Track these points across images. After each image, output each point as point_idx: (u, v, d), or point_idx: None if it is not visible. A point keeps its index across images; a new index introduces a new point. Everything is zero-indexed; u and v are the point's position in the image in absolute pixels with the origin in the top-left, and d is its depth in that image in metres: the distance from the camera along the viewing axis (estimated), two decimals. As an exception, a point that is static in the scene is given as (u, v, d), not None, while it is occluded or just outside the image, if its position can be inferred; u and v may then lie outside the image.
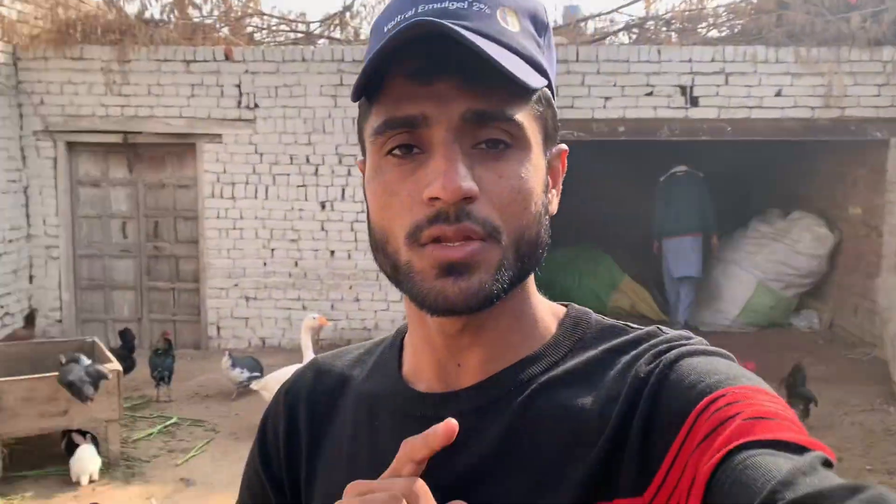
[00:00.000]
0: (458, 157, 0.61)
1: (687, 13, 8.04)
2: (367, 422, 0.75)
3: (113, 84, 7.56)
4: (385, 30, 0.65)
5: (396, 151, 0.64)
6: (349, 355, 0.84)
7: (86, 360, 4.95)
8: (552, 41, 0.70)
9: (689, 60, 7.34)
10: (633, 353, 0.67)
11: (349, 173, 7.63)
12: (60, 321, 7.86)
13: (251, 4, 8.45)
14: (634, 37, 8.32)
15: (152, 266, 7.95)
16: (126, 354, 6.11)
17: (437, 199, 0.61)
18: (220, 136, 7.59)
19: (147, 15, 8.06)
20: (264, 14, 8.47)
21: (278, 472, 0.80)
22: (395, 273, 0.66)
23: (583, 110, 7.38)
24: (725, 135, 7.42)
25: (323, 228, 7.71)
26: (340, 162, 7.62)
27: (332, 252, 7.71)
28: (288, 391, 0.83)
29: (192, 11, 8.25)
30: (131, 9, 8.21)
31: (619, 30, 8.38)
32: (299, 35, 8.48)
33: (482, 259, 0.63)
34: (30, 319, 6.64)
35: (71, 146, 7.77)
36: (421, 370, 0.74)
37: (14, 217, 7.59)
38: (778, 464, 0.50)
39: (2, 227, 7.40)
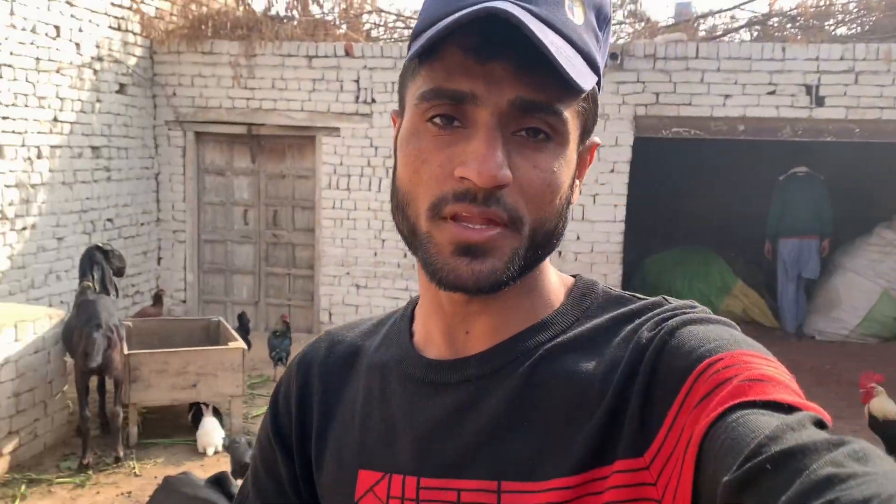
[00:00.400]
0: (498, 144, 0.62)
1: (814, 9, 7.74)
2: (378, 389, 0.76)
3: (240, 78, 7.92)
4: None
5: (437, 120, 0.64)
6: (362, 326, 0.85)
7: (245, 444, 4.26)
8: (609, 36, 0.70)
9: (816, 58, 7.07)
10: (638, 321, 0.69)
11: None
12: (184, 301, 8.32)
13: (369, 2, 8.68)
14: (756, 33, 8.08)
15: (270, 252, 8.30)
16: (242, 336, 6.42)
17: (467, 179, 0.62)
18: (338, 129, 7.83)
19: (273, 11, 8.41)
20: (382, 11, 8.68)
21: (289, 440, 0.81)
22: (413, 238, 0.67)
23: (701, 108, 7.22)
24: (853, 136, 7.11)
25: (433, 221, 7.83)
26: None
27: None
28: (301, 362, 0.84)
29: (314, 8, 8.55)
30: (258, 5, 8.59)
31: (741, 27, 8.14)
32: (415, 31, 8.64)
33: (499, 245, 0.64)
34: (157, 298, 7.06)
35: (199, 136, 8.20)
36: (431, 338, 0.75)
37: (146, 202, 8.09)
38: (769, 422, 0.51)
39: (135, 212, 7.90)
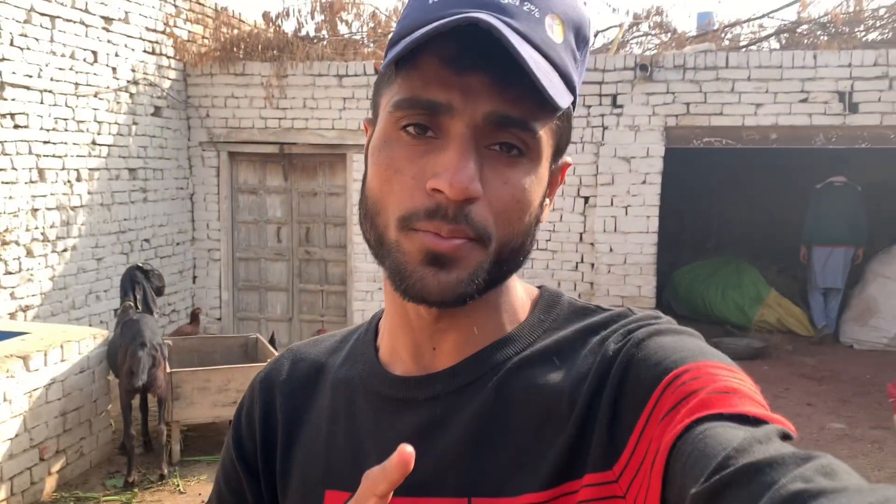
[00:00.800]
0: (471, 156, 0.61)
1: (844, 16, 7.69)
2: (344, 407, 0.75)
3: (271, 98, 8.03)
4: (430, 1, 0.63)
5: (411, 129, 0.63)
6: (326, 342, 0.83)
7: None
8: (587, 56, 0.69)
9: (848, 65, 7.02)
10: (604, 332, 0.68)
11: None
12: (220, 319, 8.41)
13: (398, 18, 8.76)
14: (785, 41, 8.04)
15: (303, 269, 8.38)
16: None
17: (439, 191, 0.61)
18: (368, 145, 7.89)
19: (303, 32, 8.54)
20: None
21: (253, 461, 0.79)
22: (380, 247, 0.66)
23: (732, 117, 7.20)
24: (889, 142, 7.04)
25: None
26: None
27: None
28: (263, 380, 0.82)
29: (342, 28, 8.65)
30: (288, 27, 8.71)
31: (770, 35, 8.12)
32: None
33: (464, 256, 0.63)
34: (194, 317, 7.14)
35: (232, 156, 8.31)
36: (397, 353, 0.74)
37: (181, 222, 8.21)
38: (736, 434, 0.51)
39: (171, 231, 8.01)
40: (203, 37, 8.47)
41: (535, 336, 0.71)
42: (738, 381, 0.58)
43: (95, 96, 6.86)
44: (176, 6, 8.08)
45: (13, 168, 6.00)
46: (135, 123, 7.43)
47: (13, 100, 5.96)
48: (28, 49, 6.11)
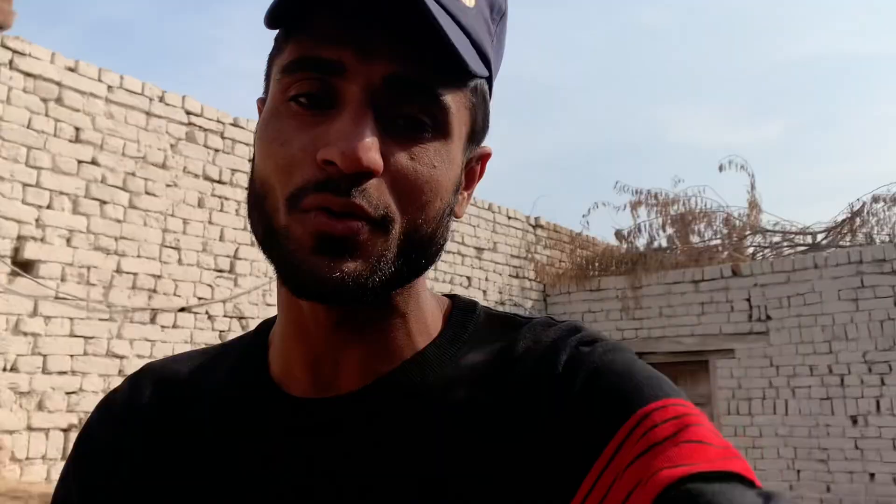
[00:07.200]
0: (367, 123, 0.52)
1: None
2: (227, 438, 0.61)
3: (627, 309, 8.18)
4: None
5: (302, 99, 0.54)
6: (195, 359, 0.70)
7: None
8: (504, 34, 0.61)
9: None
10: (534, 347, 0.59)
11: (882, 383, 6.82)
12: None
13: (751, 224, 8.62)
14: None
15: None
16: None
17: (331, 163, 0.51)
18: (732, 350, 7.53)
19: (654, 245, 8.75)
20: (766, 231, 8.54)
21: (76, 492, 0.66)
22: (268, 238, 0.55)
23: None
24: None
25: (857, 447, 6.87)
26: (870, 371, 6.89)
27: (872, 475, 6.75)
28: (114, 400, 0.69)
29: (694, 238, 8.73)
30: (640, 242, 9.03)
31: None
32: (803, 247, 8.29)
33: (363, 244, 0.53)
34: None
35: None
36: (291, 370, 0.61)
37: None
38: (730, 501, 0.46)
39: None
40: (560, 260, 9.11)
41: (453, 352, 0.61)
42: (706, 425, 0.52)
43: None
44: (536, 235, 8.88)
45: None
46: (502, 340, 8.00)
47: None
48: (416, 277, 7.09)
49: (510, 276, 8.35)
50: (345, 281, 0.52)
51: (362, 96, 0.53)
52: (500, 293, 8.11)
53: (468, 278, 7.70)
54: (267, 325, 0.68)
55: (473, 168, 0.64)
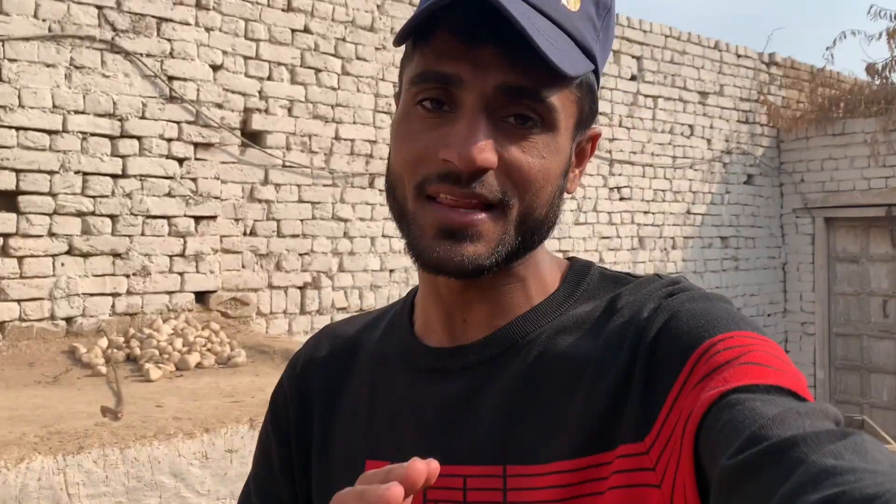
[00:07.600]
0: (480, 127, 0.62)
1: None
2: (382, 380, 0.76)
3: (877, 155, 7.26)
4: None
5: (427, 104, 0.64)
6: (362, 320, 0.85)
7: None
8: (611, 25, 0.69)
9: None
10: (633, 299, 0.67)
11: None
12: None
13: None
14: None
15: (918, 350, 7.20)
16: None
17: (450, 162, 0.61)
18: None
19: (915, 79, 7.55)
20: None
21: (286, 430, 0.81)
22: (400, 221, 0.68)
23: None
24: None
25: None
26: None
27: None
28: (298, 357, 0.85)
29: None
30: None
31: None
32: None
33: (483, 230, 0.63)
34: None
35: (829, 222, 7.74)
36: (431, 326, 0.74)
37: (773, 292, 7.92)
38: (770, 407, 0.50)
39: (762, 301, 7.78)
40: (798, 101, 8.18)
41: (565, 307, 0.71)
42: (772, 351, 0.57)
43: (691, 167, 7.14)
44: (770, 73, 8.00)
45: (618, 236, 6.59)
46: (727, 192, 7.49)
47: (619, 175, 6.59)
48: (633, 128, 6.72)
49: (738, 121, 7.65)
50: (464, 263, 0.63)
51: (477, 103, 0.62)
52: (727, 141, 7.48)
53: (690, 126, 7.16)
54: (414, 292, 0.81)
55: (584, 147, 0.72)
